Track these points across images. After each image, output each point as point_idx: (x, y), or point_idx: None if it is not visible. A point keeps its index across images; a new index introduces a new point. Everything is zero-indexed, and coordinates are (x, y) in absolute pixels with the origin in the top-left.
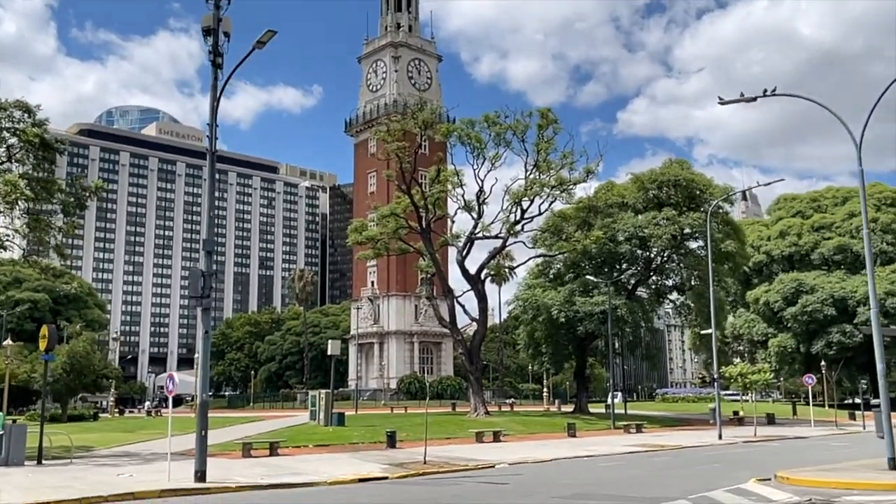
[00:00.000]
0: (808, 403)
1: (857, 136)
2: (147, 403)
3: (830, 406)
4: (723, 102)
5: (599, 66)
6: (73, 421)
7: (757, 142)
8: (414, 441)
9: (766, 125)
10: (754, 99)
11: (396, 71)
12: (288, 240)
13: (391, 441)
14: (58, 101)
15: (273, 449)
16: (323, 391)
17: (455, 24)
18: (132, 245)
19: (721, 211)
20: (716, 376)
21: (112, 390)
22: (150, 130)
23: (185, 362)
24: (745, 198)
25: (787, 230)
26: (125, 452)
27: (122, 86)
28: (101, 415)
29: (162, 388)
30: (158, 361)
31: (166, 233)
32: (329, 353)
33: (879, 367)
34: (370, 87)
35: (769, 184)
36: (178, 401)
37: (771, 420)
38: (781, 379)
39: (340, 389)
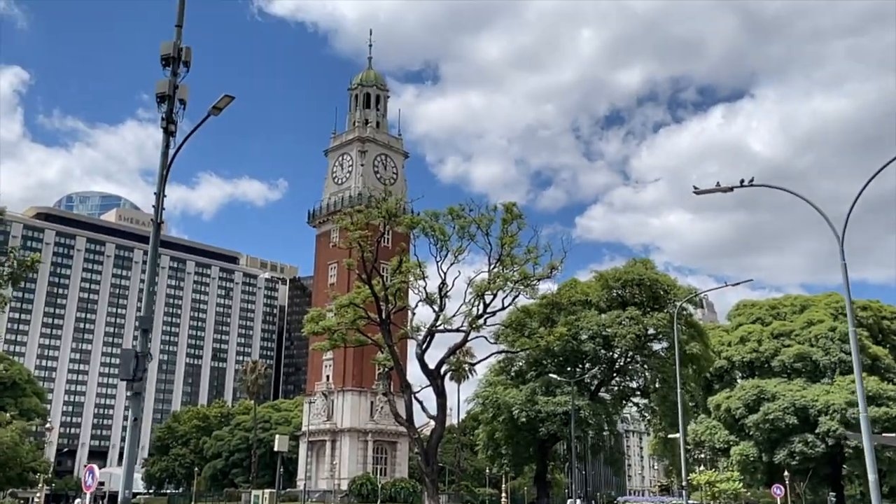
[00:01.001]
0: None
1: (839, 230)
2: (77, 501)
3: None
4: (698, 192)
5: (560, 172)
6: None
7: (711, 252)
8: None
9: (719, 236)
10: (731, 189)
11: (363, 165)
12: (244, 331)
13: None
14: (18, 187)
15: None
16: (266, 491)
17: (421, 128)
18: (81, 332)
19: (685, 313)
20: (683, 484)
21: (41, 485)
22: (110, 216)
23: None
24: (701, 305)
25: (748, 336)
26: None
27: (86, 172)
28: None
29: (102, 484)
30: (100, 455)
31: (118, 321)
32: (276, 448)
33: (872, 477)
34: (335, 180)
35: (738, 284)
36: (115, 498)
37: None
38: (748, 490)
39: (287, 490)
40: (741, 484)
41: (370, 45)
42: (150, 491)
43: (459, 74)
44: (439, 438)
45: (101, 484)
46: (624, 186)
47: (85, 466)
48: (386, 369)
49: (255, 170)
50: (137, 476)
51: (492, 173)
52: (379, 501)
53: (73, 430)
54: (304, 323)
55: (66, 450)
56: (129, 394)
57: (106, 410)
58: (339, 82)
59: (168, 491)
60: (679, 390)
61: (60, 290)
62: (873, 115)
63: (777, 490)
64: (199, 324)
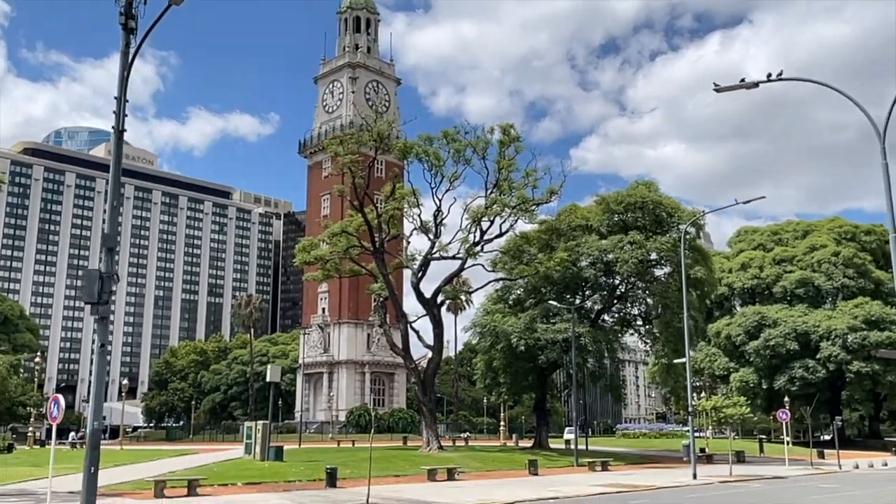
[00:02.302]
0: (769, 441)
1: (880, 126)
2: (72, 434)
3: (795, 444)
4: (718, 89)
5: (554, 103)
6: None
7: (707, 183)
8: (358, 479)
9: (715, 167)
10: (756, 84)
11: (353, 92)
12: (239, 267)
13: (331, 479)
14: (6, 123)
15: (192, 488)
16: (259, 422)
17: (413, 58)
18: (75, 269)
19: (689, 237)
20: (690, 410)
21: (32, 420)
22: (99, 151)
23: (129, 392)
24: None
25: (749, 262)
26: (20, 491)
27: (73, 108)
28: (18, 446)
29: (103, 418)
30: None
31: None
32: (268, 379)
33: None
34: (326, 109)
35: (749, 201)
36: (117, 432)
37: (740, 458)
38: (755, 415)
39: (286, 422)
40: (748, 409)
41: None
42: (150, 424)
43: (451, 2)
44: (436, 367)
45: (103, 418)
46: (619, 117)
47: (51, 397)
48: (381, 299)
49: (245, 104)
50: (137, 410)
51: (485, 105)
52: (373, 431)
53: (71, 367)
54: (296, 253)
55: (64, 385)
56: (94, 318)
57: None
58: (329, 9)
59: (169, 424)
60: (686, 314)
61: (52, 227)
62: (874, 41)
63: (783, 415)
64: (195, 259)
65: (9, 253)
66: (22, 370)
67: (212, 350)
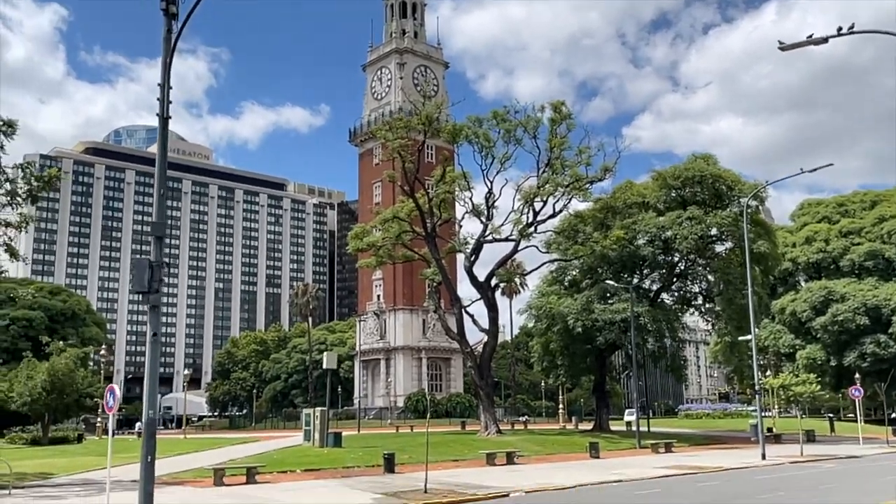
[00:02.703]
0: (839, 419)
1: None
2: (138, 424)
3: (867, 422)
4: (783, 47)
5: (606, 81)
6: (54, 444)
7: (765, 157)
8: (416, 464)
9: (773, 140)
10: (825, 40)
11: (402, 78)
12: (295, 257)
13: (389, 465)
14: (68, 124)
15: (250, 475)
16: (318, 409)
17: (460, 42)
18: None
19: (750, 210)
20: (757, 388)
21: (101, 410)
22: (156, 148)
23: (192, 382)
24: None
25: (814, 236)
26: (84, 480)
27: (131, 107)
28: (88, 437)
29: (169, 408)
30: (165, 382)
31: (172, 251)
32: (325, 366)
33: None
34: (375, 96)
35: (815, 169)
36: (181, 420)
37: (811, 437)
38: (826, 393)
39: (345, 408)
40: (817, 386)
41: None
42: (215, 413)
43: None
44: (492, 351)
45: (168, 408)
46: (673, 93)
47: (106, 388)
48: (435, 284)
49: (297, 96)
50: (202, 400)
51: (535, 87)
52: (429, 416)
53: (139, 359)
54: (349, 240)
55: (132, 376)
56: (146, 307)
57: (168, 339)
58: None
59: (233, 412)
60: (751, 289)
61: (115, 224)
62: None
63: (856, 391)
64: (252, 251)
65: (75, 250)
66: (91, 363)
67: (271, 339)
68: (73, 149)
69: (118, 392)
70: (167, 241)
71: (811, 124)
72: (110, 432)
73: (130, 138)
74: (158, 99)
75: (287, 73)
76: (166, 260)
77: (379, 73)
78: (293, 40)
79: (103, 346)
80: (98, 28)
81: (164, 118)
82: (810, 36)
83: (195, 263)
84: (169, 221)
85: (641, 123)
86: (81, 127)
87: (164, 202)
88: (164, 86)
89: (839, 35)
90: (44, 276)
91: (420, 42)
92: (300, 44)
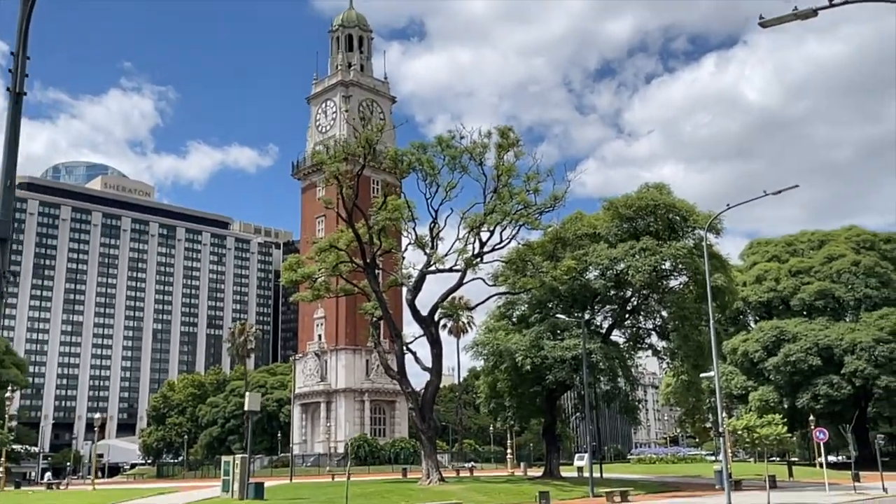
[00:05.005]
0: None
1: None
2: (48, 475)
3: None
4: (764, 23)
5: (552, 127)
6: None
7: (706, 204)
8: None
9: (714, 188)
10: (814, 12)
11: (347, 111)
12: (238, 297)
13: None
14: None
15: None
16: (238, 456)
17: (409, 87)
18: (71, 304)
19: (704, 243)
20: (721, 430)
21: (2, 458)
22: (95, 184)
23: (126, 428)
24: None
25: (764, 275)
26: None
27: (72, 145)
28: None
29: (101, 455)
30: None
31: (108, 290)
32: (246, 408)
33: None
34: (319, 129)
35: (780, 192)
36: (115, 469)
37: (773, 483)
38: (792, 436)
39: (282, 455)
40: (784, 428)
41: None
42: (149, 461)
43: (446, 30)
44: (435, 391)
45: (100, 456)
46: (617, 140)
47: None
48: (375, 319)
49: (244, 136)
50: (135, 447)
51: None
52: (348, 464)
53: (69, 404)
54: (283, 271)
55: (62, 423)
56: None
57: (102, 382)
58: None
59: (167, 460)
60: (712, 321)
61: (47, 262)
62: (870, 58)
63: (820, 434)
64: (193, 291)
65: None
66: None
67: (210, 383)
68: None
69: None
70: (103, 279)
71: (748, 173)
72: None
73: (69, 175)
74: (10, 70)
75: (234, 112)
76: (101, 300)
77: (324, 105)
78: (240, 77)
79: (11, 390)
80: (40, 64)
81: (17, 93)
82: (795, 8)
83: (132, 303)
84: (106, 260)
85: (586, 168)
86: (21, 165)
87: (13, 194)
88: (19, 54)
89: (831, 6)
90: None
91: (366, 76)
92: (248, 83)
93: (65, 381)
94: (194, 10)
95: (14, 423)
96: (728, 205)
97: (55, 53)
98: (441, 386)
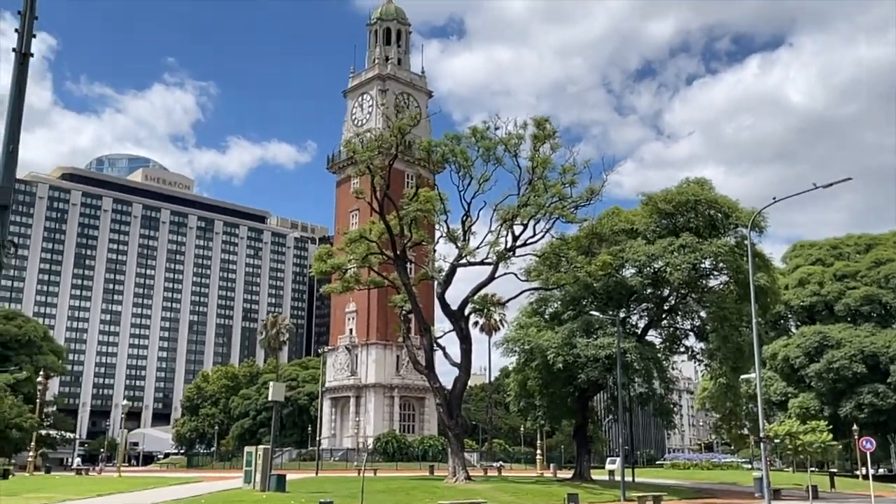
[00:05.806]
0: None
1: None
2: (78, 461)
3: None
4: None
5: (590, 128)
6: None
7: (748, 206)
8: None
9: (754, 191)
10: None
11: (383, 104)
12: (274, 291)
13: None
14: (52, 153)
15: None
16: (260, 447)
17: (447, 85)
18: (110, 293)
19: (747, 241)
20: (762, 435)
21: (32, 444)
22: (136, 176)
23: (161, 417)
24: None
25: (808, 278)
26: None
27: (117, 139)
28: (18, 473)
29: (135, 444)
30: (133, 416)
31: (147, 281)
32: (271, 397)
33: None
34: (355, 122)
35: (831, 185)
36: (149, 458)
37: (815, 494)
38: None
39: (311, 448)
40: (829, 435)
41: None
42: (181, 451)
43: (485, 28)
44: (464, 387)
45: (135, 444)
46: (656, 141)
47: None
48: (405, 312)
49: (283, 132)
50: (169, 436)
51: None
52: (364, 460)
53: (106, 392)
54: (313, 262)
55: (98, 409)
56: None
57: (139, 371)
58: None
59: (197, 451)
60: (755, 321)
61: (89, 252)
62: None
63: (867, 443)
64: (229, 284)
65: (46, 277)
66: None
67: (243, 375)
68: (49, 174)
69: None
70: (140, 269)
71: (791, 177)
72: None
73: (112, 167)
74: (17, 30)
75: (274, 108)
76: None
77: (360, 99)
78: (280, 74)
79: (49, 375)
80: (86, 58)
81: (24, 54)
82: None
83: (170, 294)
84: (145, 251)
85: (624, 170)
86: (66, 156)
87: (16, 160)
88: (26, 14)
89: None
90: (11, 302)
91: (403, 69)
92: (288, 77)
93: (103, 370)
94: (236, 7)
95: (52, 409)
96: (774, 198)
97: (102, 49)
98: (472, 385)
